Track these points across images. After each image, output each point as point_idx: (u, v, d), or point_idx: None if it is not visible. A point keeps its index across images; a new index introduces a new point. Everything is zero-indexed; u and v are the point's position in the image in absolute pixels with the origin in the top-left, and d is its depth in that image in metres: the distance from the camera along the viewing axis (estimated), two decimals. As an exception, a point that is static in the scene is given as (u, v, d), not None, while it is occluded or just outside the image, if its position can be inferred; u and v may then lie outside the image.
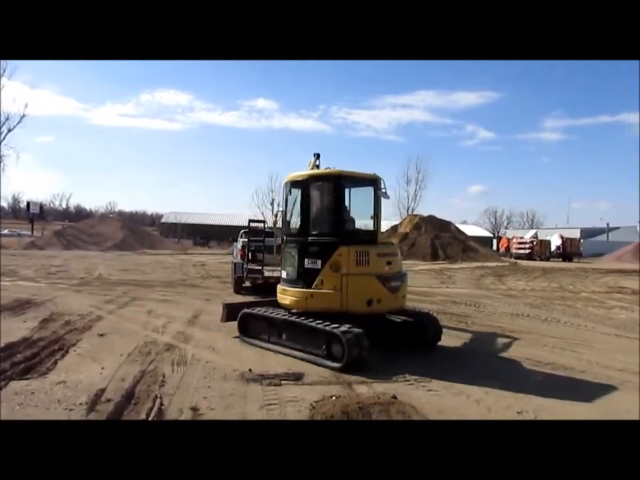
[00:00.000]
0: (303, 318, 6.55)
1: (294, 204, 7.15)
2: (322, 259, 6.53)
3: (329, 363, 6.01)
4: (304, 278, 6.71)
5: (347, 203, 7.14)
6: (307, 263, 6.70)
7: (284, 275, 7.23)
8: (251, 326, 7.41)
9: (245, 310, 7.56)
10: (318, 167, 7.99)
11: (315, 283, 6.54)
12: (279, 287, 7.27)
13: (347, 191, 7.12)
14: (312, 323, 6.28)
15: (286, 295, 6.98)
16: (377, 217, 7.09)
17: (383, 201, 7.16)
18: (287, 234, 7.34)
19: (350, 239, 6.60)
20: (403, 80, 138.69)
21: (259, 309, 7.43)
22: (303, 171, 7.35)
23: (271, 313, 7.05)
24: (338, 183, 6.77)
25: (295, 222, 7.12)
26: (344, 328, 5.95)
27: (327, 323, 6.14)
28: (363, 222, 7.27)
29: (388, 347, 6.92)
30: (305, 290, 6.64)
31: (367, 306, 6.32)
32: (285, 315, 6.83)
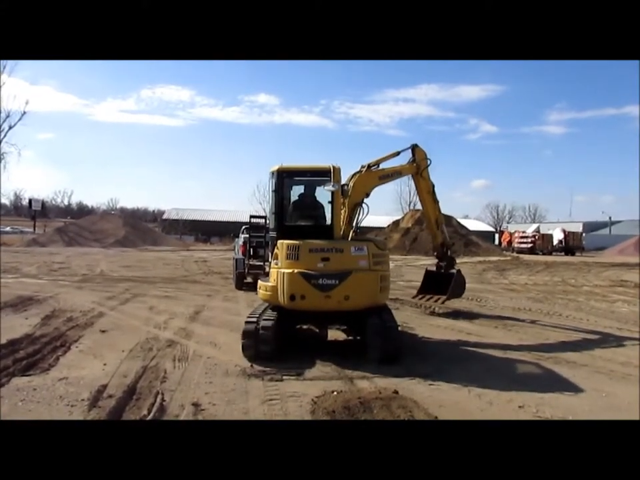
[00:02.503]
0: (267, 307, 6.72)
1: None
2: (271, 253, 6.76)
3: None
4: (269, 270, 6.94)
5: (293, 197, 7.27)
6: (269, 256, 6.98)
7: None
8: None
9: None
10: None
11: (269, 274, 6.73)
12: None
13: (303, 184, 7.25)
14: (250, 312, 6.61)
15: None
16: (332, 210, 6.77)
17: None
18: None
19: (292, 234, 6.49)
20: (405, 73, 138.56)
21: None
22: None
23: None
24: (278, 178, 6.86)
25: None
26: (251, 325, 6.12)
27: (250, 315, 6.44)
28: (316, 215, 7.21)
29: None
30: (261, 282, 6.81)
31: (290, 301, 6.16)
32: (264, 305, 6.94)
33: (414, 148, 9.01)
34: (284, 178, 6.94)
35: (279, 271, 6.30)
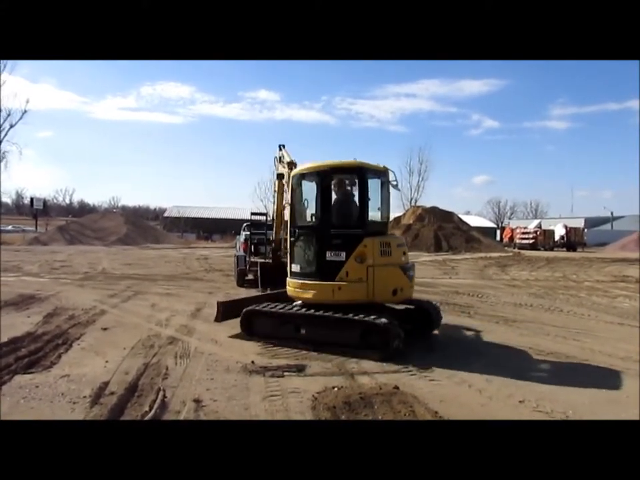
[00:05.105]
0: (325, 312, 6.47)
1: (303, 196, 7.06)
2: (346, 251, 6.51)
3: (368, 353, 6.11)
4: (325, 270, 6.61)
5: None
6: (329, 255, 6.60)
7: (296, 268, 7.02)
8: (258, 323, 7.13)
9: (249, 308, 7.22)
10: (280, 158, 8.67)
11: (339, 275, 6.49)
12: (293, 281, 7.05)
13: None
14: (346, 316, 6.26)
15: (305, 289, 6.78)
16: (387, 208, 7.28)
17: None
18: (300, 227, 7.08)
19: (372, 231, 6.72)
20: (406, 69, 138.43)
21: (267, 304, 7.17)
22: (319, 162, 7.08)
23: (283, 309, 6.91)
24: (362, 174, 6.74)
25: (311, 214, 6.92)
26: (384, 320, 6.10)
27: (362, 315, 6.22)
28: (371, 213, 7.13)
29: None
30: (328, 283, 6.53)
31: (393, 295, 6.58)
32: (303, 310, 6.73)
33: (281, 148, 9.40)
34: (366, 174, 6.76)
35: (371, 268, 6.41)
